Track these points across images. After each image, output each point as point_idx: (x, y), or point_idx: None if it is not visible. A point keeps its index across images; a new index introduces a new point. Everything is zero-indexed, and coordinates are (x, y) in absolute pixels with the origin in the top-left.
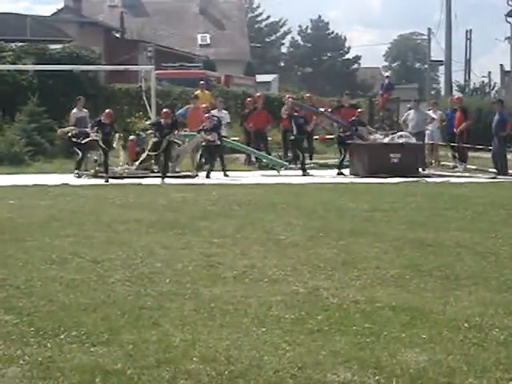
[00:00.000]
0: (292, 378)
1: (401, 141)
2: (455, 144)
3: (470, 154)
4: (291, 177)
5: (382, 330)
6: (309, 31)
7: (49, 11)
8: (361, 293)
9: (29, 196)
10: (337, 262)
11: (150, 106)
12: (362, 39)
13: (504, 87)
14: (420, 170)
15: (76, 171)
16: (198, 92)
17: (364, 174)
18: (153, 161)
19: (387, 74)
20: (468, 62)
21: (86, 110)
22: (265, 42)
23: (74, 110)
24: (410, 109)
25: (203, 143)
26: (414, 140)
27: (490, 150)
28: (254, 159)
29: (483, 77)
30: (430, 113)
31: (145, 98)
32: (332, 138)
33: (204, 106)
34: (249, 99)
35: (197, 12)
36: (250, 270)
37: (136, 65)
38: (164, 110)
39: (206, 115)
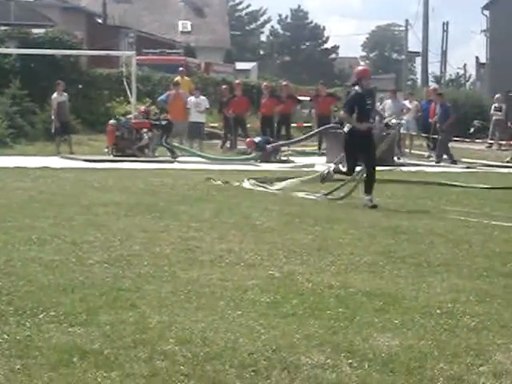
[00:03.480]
0: (266, 361)
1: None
2: (432, 135)
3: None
4: (269, 164)
5: (355, 315)
6: (288, 20)
7: None
8: (335, 278)
9: (10, 178)
10: (312, 247)
11: (130, 91)
12: (340, 29)
13: (479, 79)
14: (395, 159)
15: None
16: (177, 78)
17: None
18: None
19: (362, 63)
20: (444, 54)
21: (65, 94)
22: (245, 30)
23: (55, 95)
24: (381, 99)
25: None
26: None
27: (465, 140)
28: (228, 145)
29: (459, 68)
30: (406, 103)
31: (125, 83)
32: (310, 126)
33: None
34: (224, 87)
35: None
36: (227, 254)
37: (117, 50)
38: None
39: None
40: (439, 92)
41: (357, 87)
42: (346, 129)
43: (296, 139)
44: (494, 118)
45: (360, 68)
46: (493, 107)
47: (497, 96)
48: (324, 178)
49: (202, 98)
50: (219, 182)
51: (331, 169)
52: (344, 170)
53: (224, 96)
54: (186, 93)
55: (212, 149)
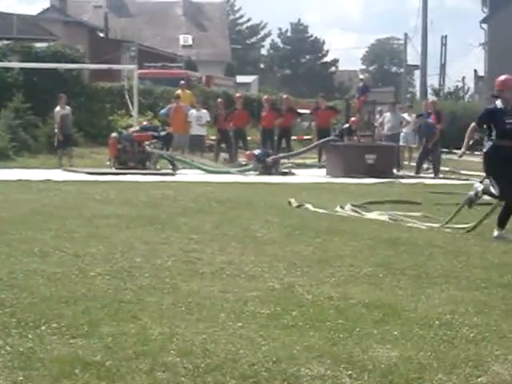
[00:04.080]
0: (267, 372)
1: None
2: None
3: (444, 156)
4: (269, 176)
5: (354, 326)
6: (288, 34)
7: (33, 11)
8: (335, 290)
9: (13, 190)
10: (312, 259)
11: (132, 105)
12: (340, 43)
13: (477, 92)
14: (394, 171)
15: None
16: (178, 92)
17: (340, 175)
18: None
19: (361, 76)
20: (443, 67)
21: (68, 108)
22: (245, 44)
23: (58, 108)
24: (380, 112)
25: None
26: None
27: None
28: (227, 157)
29: (457, 81)
30: (405, 116)
31: (127, 97)
32: (310, 139)
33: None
34: (219, 100)
35: (180, 13)
36: (228, 266)
37: (119, 64)
38: None
39: None
40: (410, 105)
41: (498, 101)
42: (485, 149)
43: (295, 152)
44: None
45: (500, 78)
46: None
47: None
48: (472, 201)
49: (203, 111)
50: (317, 210)
51: (479, 189)
52: (495, 191)
53: (220, 109)
54: (187, 106)
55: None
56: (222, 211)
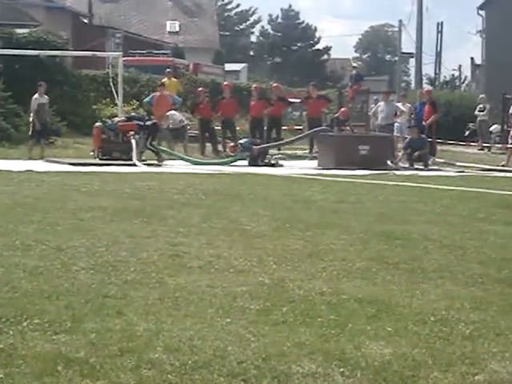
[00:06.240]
0: (256, 369)
1: None
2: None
3: (439, 147)
4: (259, 167)
5: (347, 322)
6: (279, 20)
7: None
8: (327, 285)
9: None
10: (303, 253)
11: (116, 93)
12: (332, 30)
13: (474, 81)
14: (389, 162)
15: None
16: (164, 80)
17: (332, 166)
18: None
19: (355, 64)
20: (439, 55)
21: (46, 97)
22: (234, 30)
23: (36, 96)
24: (376, 101)
25: None
26: None
27: (459, 143)
28: (221, 148)
29: (454, 70)
30: (400, 105)
31: (112, 85)
32: (301, 129)
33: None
34: (200, 89)
35: None
36: (216, 260)
37: (103, 51)
38: None
39: None
40: (404, 94)
41: None
42: None
43: (282, 142)
44: (478, 119)
45: None
46: (477, 108)
47: (480, 96)
48: None
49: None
50: None
51: None
52: None
53: (200, 98)
54: (171, 94)
55: (197, 152)
56: (209, 203)
